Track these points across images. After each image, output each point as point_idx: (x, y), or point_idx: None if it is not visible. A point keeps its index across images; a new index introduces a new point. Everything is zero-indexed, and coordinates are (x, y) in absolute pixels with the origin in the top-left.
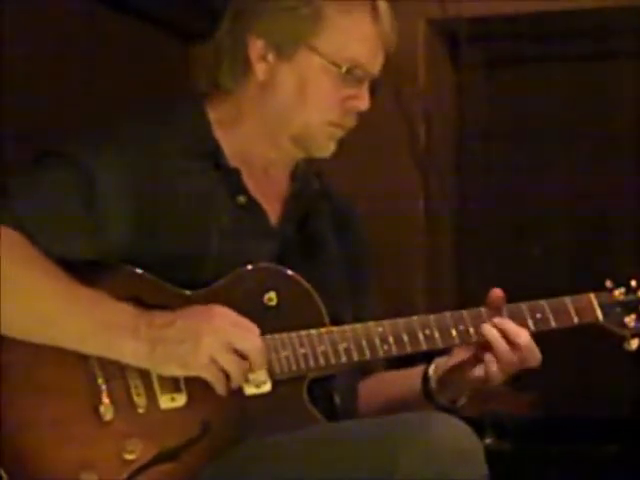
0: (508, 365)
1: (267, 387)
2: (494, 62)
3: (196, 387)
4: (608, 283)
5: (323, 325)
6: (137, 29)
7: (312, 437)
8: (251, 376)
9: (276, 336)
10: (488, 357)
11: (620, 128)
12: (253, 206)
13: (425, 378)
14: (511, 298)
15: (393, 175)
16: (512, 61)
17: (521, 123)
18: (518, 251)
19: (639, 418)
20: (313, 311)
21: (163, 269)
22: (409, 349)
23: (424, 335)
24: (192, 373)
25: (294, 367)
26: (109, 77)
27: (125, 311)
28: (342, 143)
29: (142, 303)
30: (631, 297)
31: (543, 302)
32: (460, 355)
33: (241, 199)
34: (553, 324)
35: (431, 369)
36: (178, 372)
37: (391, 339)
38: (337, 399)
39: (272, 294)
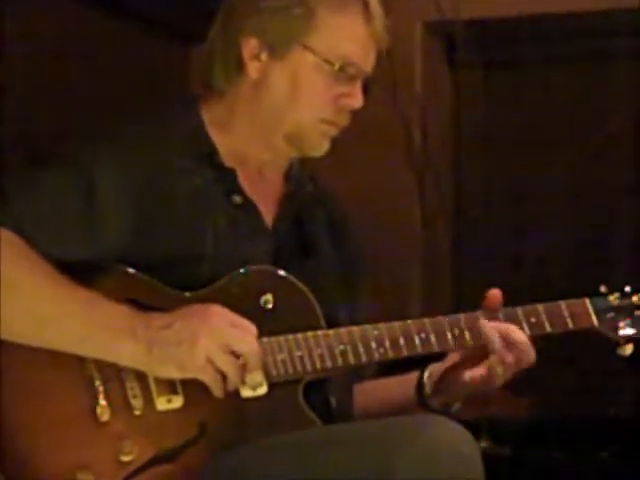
0: (504, 365)
1: (263, 390)
2: (491, 64)
3: (193, 389)
4: (603, 288)
5: (319, 326)
6: (136, 30)
7: (308, 440)
8: (247, 378)
9: (272, 339)
10: (492, 359)
11: (620, 128)
12: (249, 206)
13: (420, 384)
14: (509, 299)
15: (390, 177)
16: (509, 62)
17: (518, 125)
18: (515, 252)
19: (639, 418)
20: (309, 313)
21: (160, 269)
22: (405, 352)
23: (420, 338)
24: (189, 375)
25: (290, 370)
26: (109, 77)
27: (122, 313)
28: (339, 145)
29: (139, 305)
30: (626, 302)
31: (538, 306)
32: (455, 359)
33: (237, 199)
34: (548, 329)
35: (426, 375)
36: (175, 374)
37: (387, 342)
38: (333, 402)
39: (268, 296)
